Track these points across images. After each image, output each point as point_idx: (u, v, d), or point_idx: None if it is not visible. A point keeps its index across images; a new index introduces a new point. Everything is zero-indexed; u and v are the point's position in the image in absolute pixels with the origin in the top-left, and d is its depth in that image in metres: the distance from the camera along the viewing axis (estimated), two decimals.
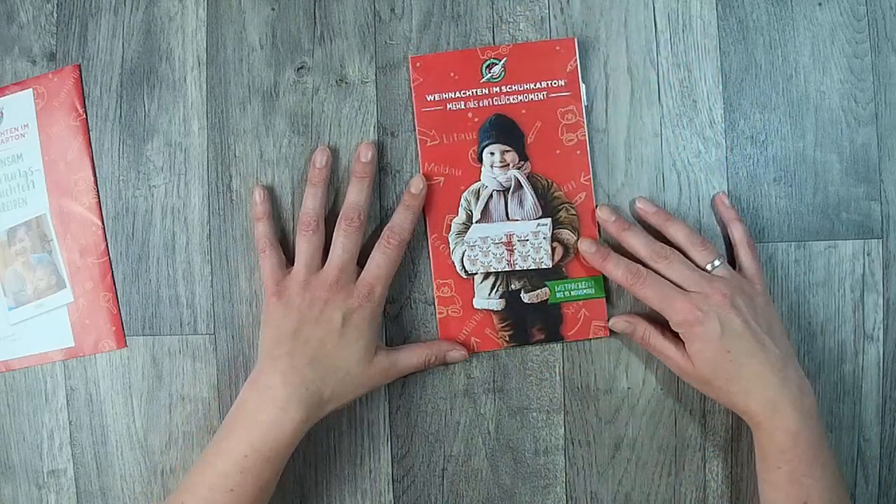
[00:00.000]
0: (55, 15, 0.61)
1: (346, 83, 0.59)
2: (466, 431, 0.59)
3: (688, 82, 0.59)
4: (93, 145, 0.60)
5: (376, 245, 0.55)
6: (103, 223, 0.60)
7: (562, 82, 0.58)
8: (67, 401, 0.60)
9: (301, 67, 0.60)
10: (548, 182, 0.58)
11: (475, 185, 0.58)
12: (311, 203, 0.56)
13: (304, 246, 0.55)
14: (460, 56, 0.58)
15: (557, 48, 0.58)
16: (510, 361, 0.59)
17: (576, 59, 0.58)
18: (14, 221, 0.61)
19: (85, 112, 0.61)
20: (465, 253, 0.58)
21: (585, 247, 0.56)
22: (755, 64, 0.59)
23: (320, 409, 0.53)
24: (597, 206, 0.58)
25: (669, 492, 0.58)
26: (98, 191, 0.60)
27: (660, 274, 0.54)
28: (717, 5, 0.59)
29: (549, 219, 0.58)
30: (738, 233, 0.57)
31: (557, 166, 0.58)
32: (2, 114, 0.61)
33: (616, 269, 0.55)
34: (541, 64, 0.58)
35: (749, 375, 0.51)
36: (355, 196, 0.56)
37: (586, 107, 0.58)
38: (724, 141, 0.59)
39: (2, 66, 0.61)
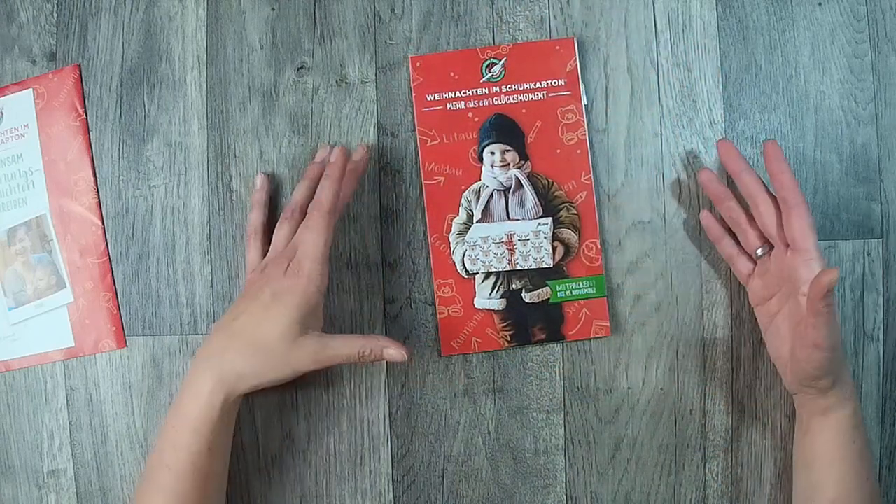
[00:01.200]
0: (55, 15, 0.61)
1: (346, 83, 0.59)
2: (466, 431, 0.59)
3: (688, 82, 0.59)
4: (93, 145, 0.60)
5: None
6: (103, 223, 0.60)
7: (562, 82, 0.58)
8: (67, 401, 0.60)
9: (301, 67, 0.60)
10: (548, 181, 0.58)
11: (476, 185, 0.58)
12: (296, 195, 0.56)
13: (276, 234, 0.56)
14: (460, 56, 0.58)
15: (557, 48, 0.58)
16: (510, 361, 0.59)
17: (576, 59, 0.58)
18: (14, 221, 0.61)
19: (85, 112, 0.61)
20: (466, 253, 0.58)
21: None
22: (755, 64, 0.59)
23: (238, 381, 0.51)
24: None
25: (669, 492, 0.58)
26: (98, 191, 0.60)
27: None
28: (717, 5, 0.59)
29: (550, 218, 0.58)
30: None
31: (558, 166, 0.58)
32: (2, 114, 0.61)
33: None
34: (541, 64, 0.58)
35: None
36: (301, 193, 0.56)
37: (586, 106, 0.58)
38: None
39: (2, 66, 0.61)
